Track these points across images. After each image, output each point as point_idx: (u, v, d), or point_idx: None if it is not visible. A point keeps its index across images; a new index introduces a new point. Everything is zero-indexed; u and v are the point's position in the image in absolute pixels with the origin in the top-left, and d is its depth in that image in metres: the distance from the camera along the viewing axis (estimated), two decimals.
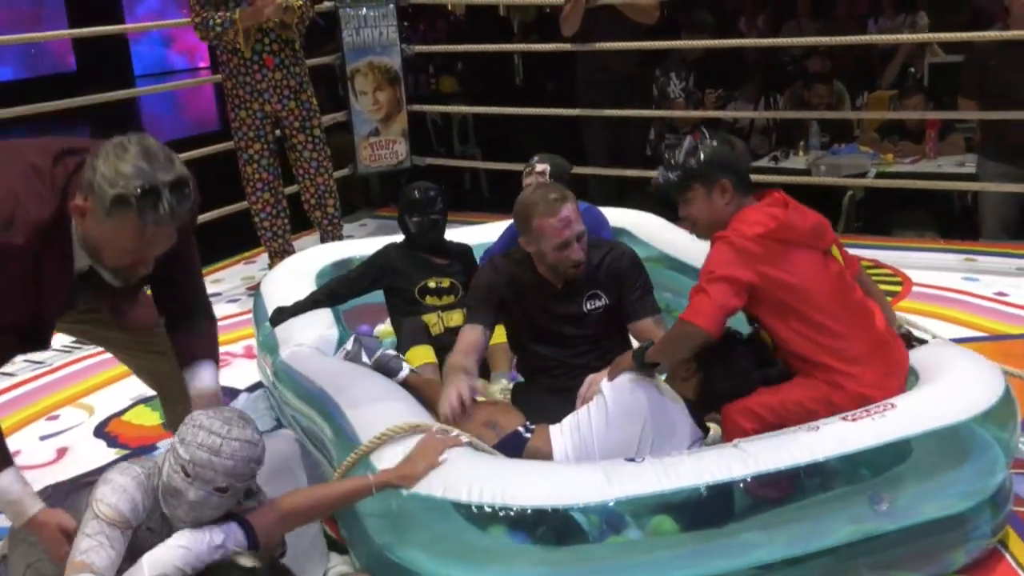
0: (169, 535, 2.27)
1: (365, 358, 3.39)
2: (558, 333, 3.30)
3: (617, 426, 2.81)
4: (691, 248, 4.01)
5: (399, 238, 4.15)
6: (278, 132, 5.42)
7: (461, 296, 3.95)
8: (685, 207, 2.91)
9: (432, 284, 3.96)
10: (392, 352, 3.47)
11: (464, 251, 4.17)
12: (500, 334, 3.57)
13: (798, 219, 2.79)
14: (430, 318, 3.90)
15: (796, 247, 2.76)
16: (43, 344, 2.50)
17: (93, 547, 2.21)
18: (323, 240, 5.67)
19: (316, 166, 5.49)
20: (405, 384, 3.27)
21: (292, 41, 5.26)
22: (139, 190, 2.13)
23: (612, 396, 2.85)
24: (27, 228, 2.22)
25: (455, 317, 3.91)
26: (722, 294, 2.67)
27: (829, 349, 2.74)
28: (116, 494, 2.24)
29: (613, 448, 2.77)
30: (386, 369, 3.33)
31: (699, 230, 2.94)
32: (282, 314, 3.75)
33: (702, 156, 2.84)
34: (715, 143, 2.88)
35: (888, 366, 2.80)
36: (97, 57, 15.30)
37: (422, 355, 3.68)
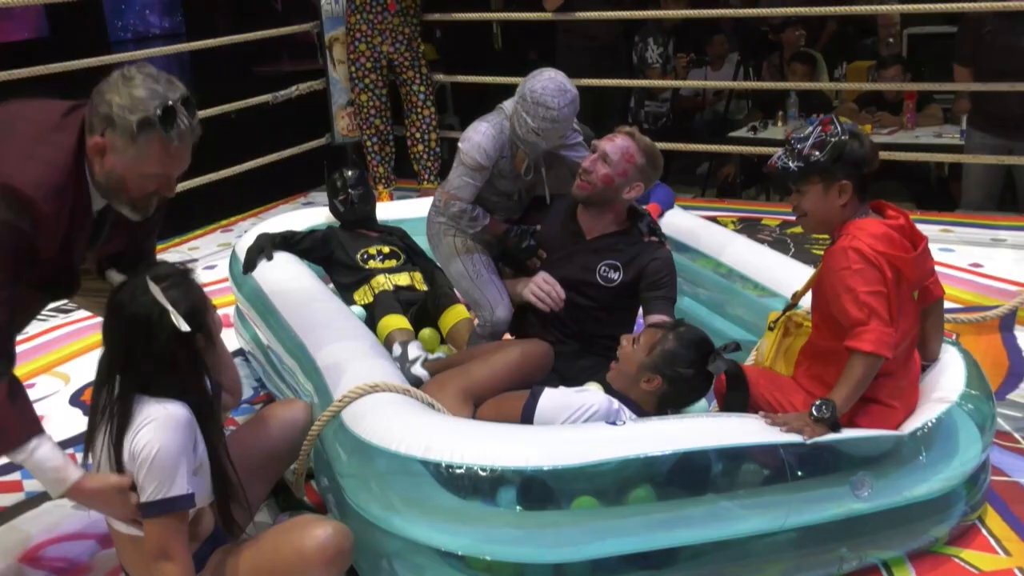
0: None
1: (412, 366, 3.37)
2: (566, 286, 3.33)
3: None
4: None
5: (382, 207, 4.33)
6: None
7: (404, 261, 4.10)
8: (799, 198, 2.75)
9: (373, 251, 4.07)
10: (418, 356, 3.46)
11: (398, 229, 4.29)
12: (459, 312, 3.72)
13: (920, 261, 2.69)
14: (378, 279, 3.95)
15: (902, 278, 2.65)
16: (72, 289, 2.55)
17: (460, 186, 3.24)
18: (419, 176, 6.43)
19: (423, 98, 6.24)
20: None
21: None
22: (159, 110, 2.23)
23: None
24: (53, 185, 2.27)
25: (402, 278, 3.99)
26: (886, 313, 2.56)
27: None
28: (474, 148, 3.19)
29: None
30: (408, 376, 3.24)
31: (807, 224, 2.80)
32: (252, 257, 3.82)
33: (828, 150, 2.66)
34: (845, 137, 2.67)
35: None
36: (71, 22, 15.07)
37: (395, 322, 3.70)
